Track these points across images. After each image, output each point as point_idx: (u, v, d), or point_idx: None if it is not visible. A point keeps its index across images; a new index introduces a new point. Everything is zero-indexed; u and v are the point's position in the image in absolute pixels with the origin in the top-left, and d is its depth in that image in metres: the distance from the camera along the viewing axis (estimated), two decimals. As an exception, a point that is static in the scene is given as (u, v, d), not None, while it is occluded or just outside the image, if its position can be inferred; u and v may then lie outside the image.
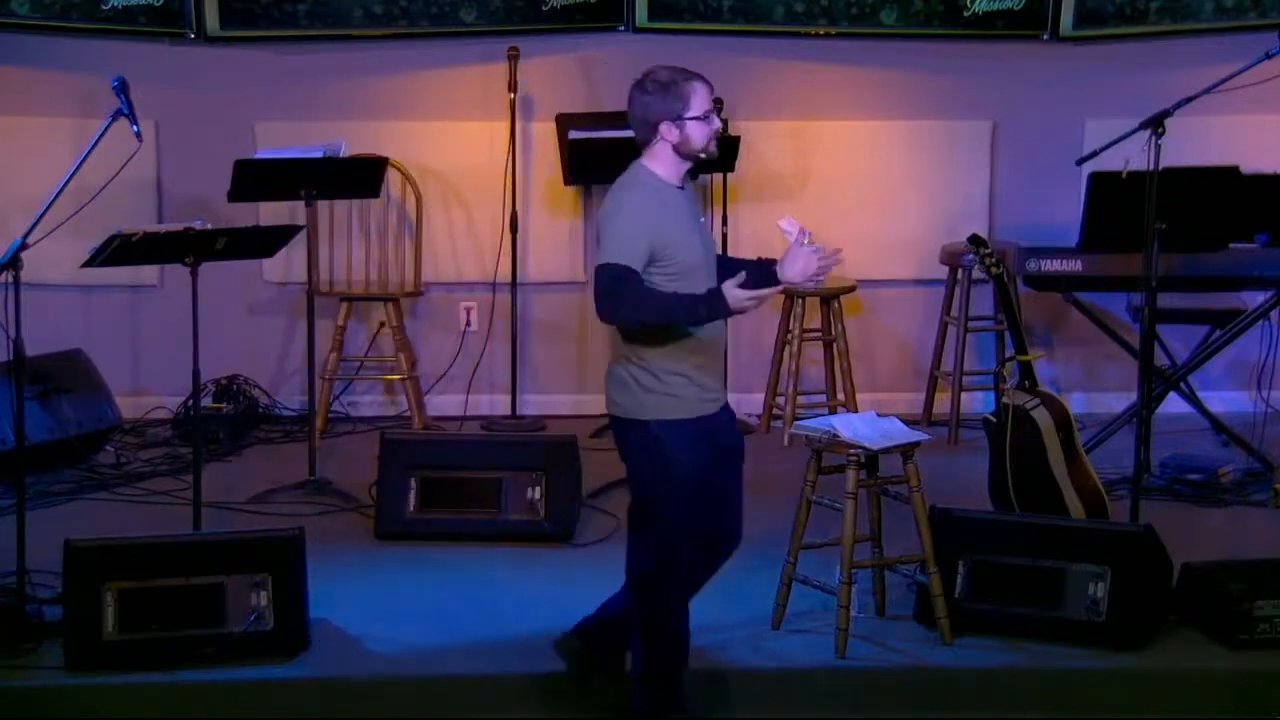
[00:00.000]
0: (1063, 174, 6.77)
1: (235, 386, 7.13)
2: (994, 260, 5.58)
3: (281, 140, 6.78)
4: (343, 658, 4.71)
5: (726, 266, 4.30)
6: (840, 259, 4.30)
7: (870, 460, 4.81)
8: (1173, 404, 6.73)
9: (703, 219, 4.35)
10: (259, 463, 6.68)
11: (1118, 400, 7.11)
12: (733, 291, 4.06)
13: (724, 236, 7.15)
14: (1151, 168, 5.25)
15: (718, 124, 4.22)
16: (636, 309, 4.14)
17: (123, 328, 7.31)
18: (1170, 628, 4.83)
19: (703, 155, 4.21)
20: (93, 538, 4.74)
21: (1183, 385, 6.63)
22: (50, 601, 4.86)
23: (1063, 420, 5.42)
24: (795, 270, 4.23)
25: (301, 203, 6.22)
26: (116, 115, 5.00)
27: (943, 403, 7.19)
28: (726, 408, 4.38)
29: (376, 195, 6.66)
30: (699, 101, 4.16)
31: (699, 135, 4.17)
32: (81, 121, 6.92)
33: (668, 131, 4.16)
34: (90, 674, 4.54)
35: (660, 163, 4.22)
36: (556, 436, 6.01)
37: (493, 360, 7.35)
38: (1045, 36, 7.26)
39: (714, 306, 4.10)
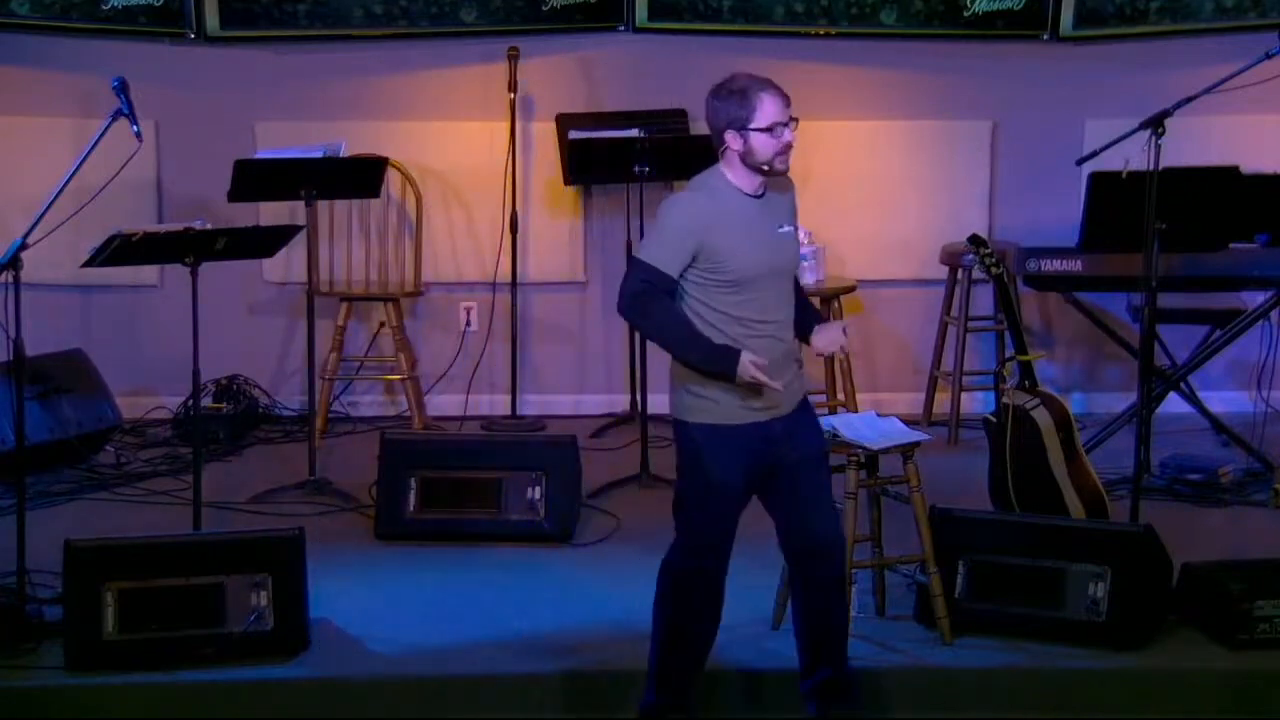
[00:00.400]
0: (1063, 174, 6.77)
1: (235, 386, 7.13)
2: (994, 260, 5.58)
3: (281, 140, 6.78)
4: (343, 658, 4.71)
5: (804, 311, 4.35)
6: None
7: (870, 460, 4.81)
8: (1173, 404, 6.73)
9: (786, 229, 4.24)
10: (259, 463, 6.68)
11: (1118, 400, 7.11)
12: (746, 364, 4.05)
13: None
14: (1151, 168, 5.24)
15: (788, 138, 4.15)
16: (658, 331, 4.17)
17: (123, 328, 7.31)
18: (1170, 628, 4.83)
19: (765, 168, 4.16)
20: (93, 538, 4.74)
21: (1183, 385, 6.63)
22: (50, 601, 4.86)
23: (1063, 420, 5.42)
24: (824, 340, 4.28)
25: (301, 203, 6.22)
26: (116, 115, 5.00)
27: (943, 403, 7.18)
28: (794, 417, 4.26)
29: (376, 195, 6.66)
30: (767, 113, 4.11)
31: (763, 147, 4.12)
32: (81, 121, 6.92)
33: (732, 140, 4.13)
34: (90, 674, 4.53)
35: (732, 169, 4.18)
36: (556, 436, 6.01)
37: (493, 360, 7.35)
38: (1045, 36, 7.26)
39: (723, 366, 4.09)
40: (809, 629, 4.39)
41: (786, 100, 4.17)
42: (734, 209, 4.15)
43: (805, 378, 4.36)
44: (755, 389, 4.13)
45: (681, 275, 4.12)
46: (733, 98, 4.13)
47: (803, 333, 4.31)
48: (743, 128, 4.12)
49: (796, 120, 4.19)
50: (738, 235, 4.13)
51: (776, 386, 4.10)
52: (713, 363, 4.11)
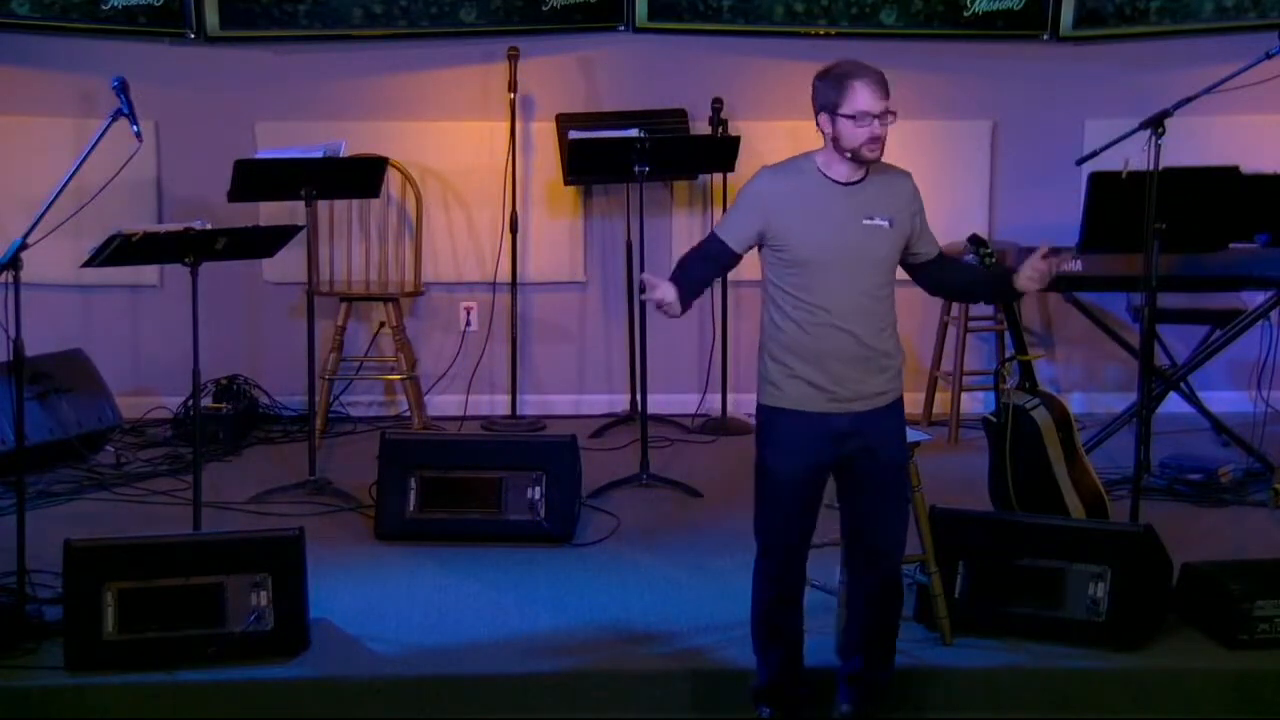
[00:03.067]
0: (1063, 174, 6.77)
1: (235, 386, 7.13)
2: (994, 260, 5.57)
3: (281, 140, 6.79)
4: (343, 658, 4.71)
5: (969, 273, 4.68)
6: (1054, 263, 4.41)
7: (870, 460, 4.81)
8: (1173, 404, 6.73)
9: (873, 220, 4.21)
10: (259, 463, 6.68)
11: (1118, 400, 7.11)
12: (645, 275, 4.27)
13: (724, 236, 7.15)
14: (1151, 168, 5.24)
15: (877, 130, 4.13)
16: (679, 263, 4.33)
17: (123, 328, 7.31)
18: (1170, 628, 4.83)
19: (850, 155, 4.16)
20: (93, 538, 4.74)
21: (1183, 385, 6.63)
22: (50, 601, 4.86)
23: (1063, 420, 5.42)
24: (1025, 278, 4.37)
25: (301, 203, 6.22)
26: (116, 115, 5.00)
27: (943, 403, 7.19)
28: (869, 417, 4.24)
29: (376, 195, 6.66)
30: (856, 100, 4.11)
31: (849, 134, 4.13)
32: (81, 121, 6.92)
33: (824, 123, 4.17)
34: (90, 674, 4.53)
35: (823, 153, 4.22)
36: (556, 436, 6.00)
37: (493, 360, 7.35)
38: (1045, 36, 7.26)
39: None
40: (857, 625, 4.44)
41: (883, 92, 4.15)
42: (811, 192, 4.19)
43: (895, 381, 4.30)
44: (823, 376, 4.17)
45: (759, 249, 4.23)
46: (829, 82, 4.16)
47: (1002, 292, 4.55)
48: (834, 112, 4.14)
49: (893, 114, 4.17)
50: (809, 219, 4.16)
51: (659, 297, 4.16)
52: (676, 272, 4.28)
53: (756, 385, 4.32)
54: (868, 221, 4.22)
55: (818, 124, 4.20)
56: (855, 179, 4.21)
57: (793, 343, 4.20)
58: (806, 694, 4.46)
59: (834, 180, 4.20)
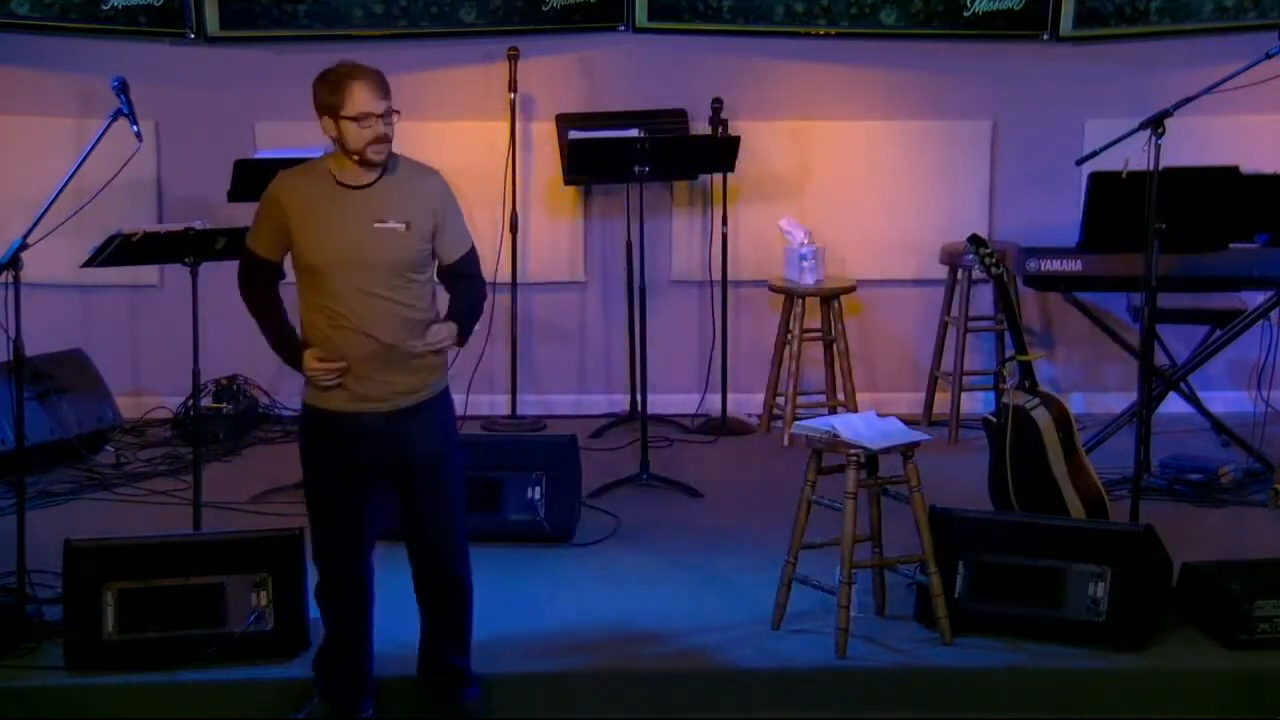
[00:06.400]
0: (1063, 174, 6.78)
1: (235, 386, 7.13)
2: (994, 260, 5.58)
3: (281, 140, 6.78)
4: (343, 658, 4.70)
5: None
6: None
7: (870, 460, 4.81)
8: (1173, 404, 6.73)
9: (386, 224, 4.20)
10: (259, 463, 6.68)
11: (1118, 400, 7.11)
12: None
13: (724, 237, 7.16)
14: (1151, 168, 5.24)
15: (380, 129, 4.15)
16: None
17: (123, 328, 7.31)
18: (1170, 628, 4.83)
19: (356, 157, 4.16)
20: (93, 538, 4.74)
21: (1183, 385, 6.63)
22: (50, 601, 4.86)
23: (1062, 420, 5.42)
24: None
25: (301, 203, 6.21)
26: (116, 115, 5.00)
27: (943, 403, 7.19)
28: (401, 416, 4.27)
29: (376, 195, 6.65)
30: (356, 102, 4.11)
31: (354, 136, 4.13)
32: (81, 121, 6.92)
33: (328, 127, 4.16)
34: (90, 674, 4.54)
35: (334, 156, 4.24)
36: (556, 436, 6.00)
37: (493, 360, 7.35)
38: (1045, 36, 7.26)
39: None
40: (432, 627, 4.47)
41: (383, 92, 4.15)
42: (323, 196, 4.19)
43: (430, 378, 4.34)
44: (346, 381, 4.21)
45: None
46: (328, 85, 4.14)
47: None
48: (335, 115, 4.13)
49: (397, 112, 4.19)
50: (318, 224, 4.18)
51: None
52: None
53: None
54: (379, 225, 4.19)
55: (322, 128, 4.17)
56: (367, 181, 4.20)
57: (322, 344, 4.22)
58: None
59: (344, 184, 4.19)
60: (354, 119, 4.10)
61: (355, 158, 4.15)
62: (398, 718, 4.56)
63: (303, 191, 4.19)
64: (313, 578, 4.74)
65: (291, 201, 4.19)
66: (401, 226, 4.20)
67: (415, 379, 4.27)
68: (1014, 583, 4.84)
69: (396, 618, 4.98)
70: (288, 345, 4.29)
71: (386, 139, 4.16)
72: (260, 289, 4.34)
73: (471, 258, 4.38)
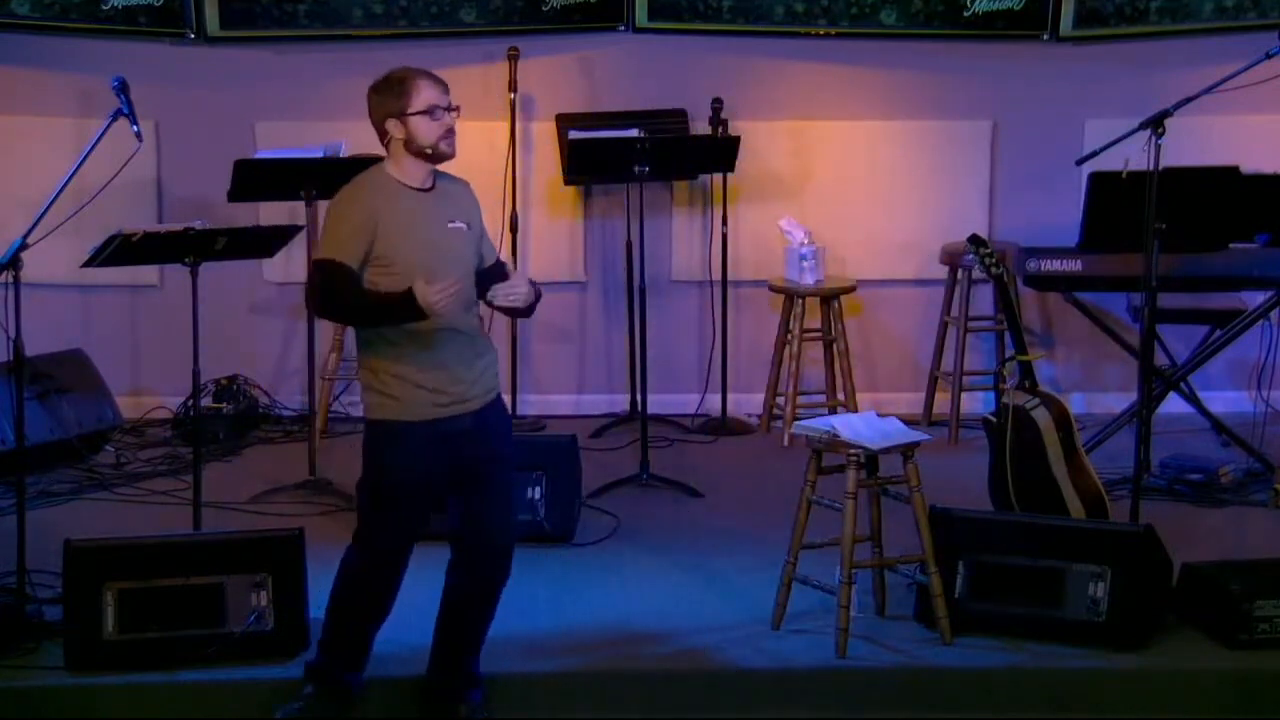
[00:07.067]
0: (1063, 174, 6.78)
1: (235, 386, 7.13)
2: (994, 260, 5.58)
3: (281, 140, 6.79)
4: (343, 658, 4.70)
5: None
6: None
7: (870, 460, 4.81)
8: (1173, 404, 6.73)
9: (455, 224, 4.26)
10: (259, 463, 6.68)
11: (1118, 400, 7.11)
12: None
13: (724, 237, 7.16)
14: (1151, 168, 5.24)
15: (449, 121, 4.18)
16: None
17: (123, 328, 7.31)
18: (1170, 628, 4.83)
19: (428, 152, 4.19)
20: (93, 538, 4.74)
21: (1183, 385, 6.63)
22: (50, 601, 4.86)
23: (1062, 420, 5.42)
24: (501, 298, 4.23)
25: (301, 203, 6.21)
26: (116, 115, 4.99)
27: (943, 403, 7.19)
28: (486, 412, 4.32)
29: (376, 195, 6.65)
30: (424, 96, 4.16)
31: (425, 131, 4.16)
32: (81, 121, 6.92)
33: (394, 129, 4.19)
34: (90, 674, 4.54)
35: (391, 163, 4.25)
36: (556, 436, 6.00)
37: (493, 360, 7.35)
38: (1045, 36, 7.26)
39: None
40: (447, 627, 4.46)
41: (444, 87, 4.21)
42: (400, 200, 4.20)
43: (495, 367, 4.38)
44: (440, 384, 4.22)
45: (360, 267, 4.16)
46: (389, 88, 4.19)
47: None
48: (402, 115, 4.16)
49: (458, 109, 4.21)
50: (405, 228, 4.18)
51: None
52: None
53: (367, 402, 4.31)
54: (452, 225, 4.26)
55: (386, 134, 4.19)
56: (429, 185, 4.24)
57: (410, 350, 4.20)
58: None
59: (413, 187, 4.22)
60: (425, 113, 4.15)
61: (429, 152, 4.19)
62: (399, 718, 4.56)
63: (384, 198, 4.19)
64: (313, 578, 4.76)
65: (378, 208, 4.17)
66: (464, 226, 4.29)
67: (492, 373, 4.34)
68: (1014, 583, 4.84)
69: (396, 618, 4.98)
70: (390, 303, 4.14)
71: (454, 132, 4.22)
72: (341, 294, 4.20)
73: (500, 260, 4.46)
